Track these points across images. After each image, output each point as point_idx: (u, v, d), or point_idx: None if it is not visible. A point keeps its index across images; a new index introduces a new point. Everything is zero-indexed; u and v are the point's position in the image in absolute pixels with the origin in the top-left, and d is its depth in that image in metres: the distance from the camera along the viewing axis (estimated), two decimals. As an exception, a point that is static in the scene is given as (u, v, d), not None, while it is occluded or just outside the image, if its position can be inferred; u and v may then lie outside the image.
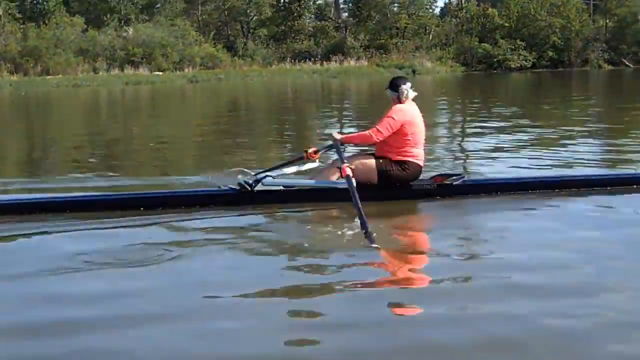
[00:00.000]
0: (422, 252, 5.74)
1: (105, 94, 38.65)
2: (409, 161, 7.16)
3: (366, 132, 7.23)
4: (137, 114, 24.66)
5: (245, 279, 4.88)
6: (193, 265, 5.21)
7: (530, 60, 66.51)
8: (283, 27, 69.26)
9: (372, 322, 4.08)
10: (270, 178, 7.14)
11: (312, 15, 75.01)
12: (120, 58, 54.77)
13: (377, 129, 7.09)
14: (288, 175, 7.40)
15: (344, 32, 69.64)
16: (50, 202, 7.13)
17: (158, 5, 68.86)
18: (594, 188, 7.50)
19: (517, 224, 6.36)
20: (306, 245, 5.71)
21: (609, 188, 7.51)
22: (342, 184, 6.76)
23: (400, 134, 7.13)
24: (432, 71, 59.03)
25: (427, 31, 71.36)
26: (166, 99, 34.34)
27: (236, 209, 6.91)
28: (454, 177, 7.37)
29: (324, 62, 61.18)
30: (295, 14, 69.03)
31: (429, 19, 71.93)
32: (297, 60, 61.93)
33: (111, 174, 10.01)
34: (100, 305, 4.41)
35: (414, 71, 57.09)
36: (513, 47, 66.47)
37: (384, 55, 63.23)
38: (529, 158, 10.34)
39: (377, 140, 7.16)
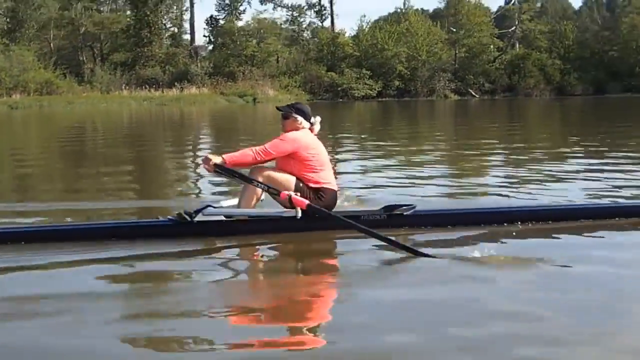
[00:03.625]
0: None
1: None
2: (323, 188, 6.91)
3: (246, 150, 6.85)
4: None
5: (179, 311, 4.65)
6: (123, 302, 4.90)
7: (375, 90, 66.52)
8: (133, 54, 67.82)
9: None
10: (212, 208, 6.78)
11: (167, 42, 74.26)
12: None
13: (264, 148, 6.81)
14: (230, 207, 7.02)
15: (196, 59, 68.76)
16: None
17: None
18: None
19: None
20: (246, 277, 5.72)
21: (581, 221, 7.07)
22: (287, 212, 6.60)
23: (298, 160, 6.87)
24: (274, 99, 58.25)
25: (277, 59, 70.61)
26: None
27: (175, 240, 6.48)
28: (404, 207, 6.95)
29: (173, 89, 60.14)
30: (145, 40, 67.59)
31: (279, 47, 71.28)
32: (143, 87, 60.35)
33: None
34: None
35: (254, 99, 56.28)
36: (358, 75, 66.34)
37: (229, 83, 62.19)
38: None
39: (258, 160, 6.80)
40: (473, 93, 68.82)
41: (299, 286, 5.38)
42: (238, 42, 69.02)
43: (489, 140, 18.89)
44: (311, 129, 7.14)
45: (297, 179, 6.85)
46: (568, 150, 15.40)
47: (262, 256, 6.38)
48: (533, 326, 4.25)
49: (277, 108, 7.28)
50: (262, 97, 57.94)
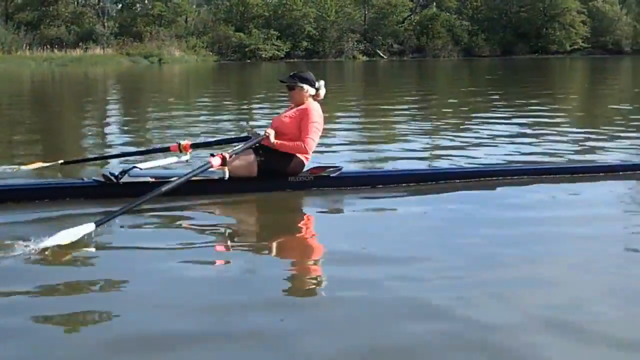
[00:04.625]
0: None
1: None
2: (297, 156, 6.99)
3: (298, 143, 6.90)
4: None
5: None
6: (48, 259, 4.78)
7: (283, 50, 66.07)
8: (37, 13, 65.78)
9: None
10: (138, 169, 6.72)
11: (74, 1, 72.24)
12: None
13: (311, 139, 6.92)
14: (157, 167, 6.95)
15: (103, 18, 67.20)
16: None
17: None
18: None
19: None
20: (166, 239, 5.41)
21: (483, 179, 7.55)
22: (216, 174, 6.59)
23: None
24: (180, 60, 57.32)
25: (185, 19, 69.45)
26: None
27: (100, 202, 6.34)
28: (331, 169, 7.14)
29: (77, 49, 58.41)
30: (50, -1, 65.60)
31: (187, 6, 70.10)
32: (47, 47, 58.55)
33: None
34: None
35: (160, 60, 55.29)
36: (266, 36, 65.71)
37: (135, 44, 60.87)
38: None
39: (310, 150, 6.96)
40: (381, 54, 68.96)
41: (217, 246, 5.46)
42: (146, 1, 67.61)
43: (403, 104, 18.77)
44: (317, 95, 7.15)
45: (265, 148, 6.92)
46: (486, 114, 15.35)
47: (185, 218, 6.13)
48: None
49: (280, 80, 7.26)
50: (168, 58, 56.89)
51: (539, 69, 44.30)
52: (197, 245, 5.32)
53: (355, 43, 68.90)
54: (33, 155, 9.16)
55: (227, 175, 6.55)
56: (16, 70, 44.92)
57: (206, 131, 12.58)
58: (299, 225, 6.22)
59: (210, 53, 63.22)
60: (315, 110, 6.99)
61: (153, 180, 6.69)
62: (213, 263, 4.96)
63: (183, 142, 7.31)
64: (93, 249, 5.13)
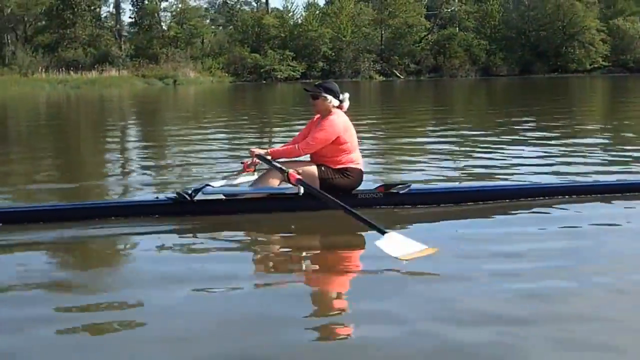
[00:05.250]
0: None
1: None
2: (349, 167, 6.96)
3: (294, 147, 6.96)
4: None
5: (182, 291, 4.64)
6: (128, 275, 5.10)
7: (298, 71, 65.88)
8: (55, 35, 66.03)
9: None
10: (211, 187, 6.84)
11: (91, 24, 72.24)
12: None
13: (308, 143, 6.89)
14: (229, 185, 7.09)
15: (120, 41, 67.31)
16: None
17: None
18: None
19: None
20: (248, 253, 5.79)
21: (566, 197, 7.35)
22: (289, 189, 6.65)
23: (336, 144, 6.91)
24: (194, 81, 57.04)
25: (202, 40, 69.41)
26: None
27: (175, 219, 6.61)
28: (399, 186, 7.08)
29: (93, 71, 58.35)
30: (67, 22, 65.75)
31: (203, 27, 70.07)
32: (61, 70, 58.47)
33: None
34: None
35: (174, 81, 55.10)
36: (281, 57, 65.43)
37: (151, 65, 60.79)
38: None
39: (304, 154, 6.94)
40: (398, 74, 68.50)
41: (297, 263, 5.56)
42: (161, 24, 67.67)
43: (440, 123, 18.67)
44: (341, 106, 7.12)
45: (320, 164, 6.94)
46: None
47: (262, 233, 6.38)
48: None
49: (305, 89, 7.26)
50: (183, 79, 56.66)
51: (563, 87, 43.70)
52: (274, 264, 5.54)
53: (372, 63, 68.40)
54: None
55: (301, 191, 6.58)
56: (31, 92, 44.73)
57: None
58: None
59: (226, 74, 62.98)
60: (334, 121, 6.95)
61: (224, 197, 6.93)
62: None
63: (247, 161, 7.24)
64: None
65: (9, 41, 67.05)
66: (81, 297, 4.58)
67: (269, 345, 3.78)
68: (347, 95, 7.14)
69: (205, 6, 78.39)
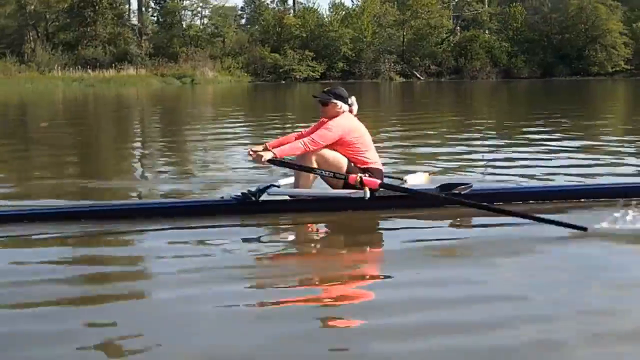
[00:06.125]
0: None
1: None
2: (371, 168, 7.05)
3: (296, 143, 6.96)
4: None
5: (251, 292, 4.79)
6: (195, 276, 5.01)
7: (318, 71, 65.57)
8: (76, 33, 66.04)
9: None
10: (276, 188, 7.01)
11: (113, 22, 72.23)
12: None
13: (313, 140, 6.90)
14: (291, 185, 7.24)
15: (140, 39, 67.28)
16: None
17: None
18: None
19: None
20: (315, 254, 5.92)
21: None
22: (356, 193, 6.74)
23: (345, 145, 7.00)
24: (212, 81, 56.88)
25: (223, 40, 69.30)
26: None
27: (240, 218, 6.77)
28: (461, 187, 7.01)
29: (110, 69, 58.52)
30: (88, 20, 65.78)
31: (225, 27, 69.95)
32: (78, 68, 58.50)
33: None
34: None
35: (192, 81, 55.00)
36: (301, 57, 65.26)
37: (170, 64, 60.71)
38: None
39: (308, 150, 6.87)
40: (418, 75, 68.04)
41: (367, 263, 5.70)
42: (182, 22, 67.66)
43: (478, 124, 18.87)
44: (350, 111, 7.23)
45: (348, 160, 7.03)
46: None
47: (329, 234, 6.67)
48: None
49: (314, 96, 7.36)
50: (201, 79, 56.50)
51: (592, 90, 43.23)
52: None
53: (392, 64, 67.98)
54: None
55: (367, 195, 6.70)
56: (44, 90, 44.69)
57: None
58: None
59: (245, 74, 62.85)
60: (339, 120, 7.06)
61: (289, 198, 7.04)
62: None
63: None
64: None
65: (30, 38, 67.31)
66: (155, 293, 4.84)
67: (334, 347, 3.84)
68: (354, 99, 7.26)
69: (233, 5, 77.98)
